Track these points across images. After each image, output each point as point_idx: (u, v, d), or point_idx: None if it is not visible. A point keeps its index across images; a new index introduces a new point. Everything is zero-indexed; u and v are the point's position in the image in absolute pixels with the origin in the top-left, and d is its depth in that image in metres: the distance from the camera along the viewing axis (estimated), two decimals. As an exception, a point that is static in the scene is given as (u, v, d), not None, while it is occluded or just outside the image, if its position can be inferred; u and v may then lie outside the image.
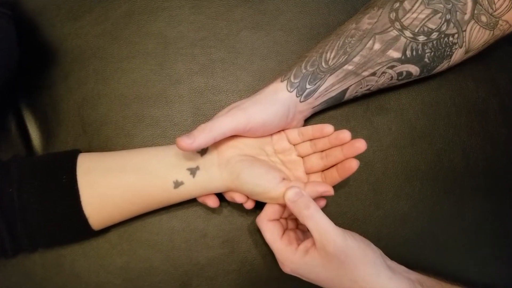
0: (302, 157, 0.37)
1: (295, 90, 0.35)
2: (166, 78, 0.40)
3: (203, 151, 0.35)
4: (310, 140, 0.37)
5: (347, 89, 0.36)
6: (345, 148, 0.35)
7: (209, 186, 0.34)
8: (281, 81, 0.35)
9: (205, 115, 0.40)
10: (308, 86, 0.35)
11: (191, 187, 0.34)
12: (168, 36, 0.41)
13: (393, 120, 0.41)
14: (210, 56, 0.41)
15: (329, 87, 0.35)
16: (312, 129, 0.36)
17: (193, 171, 0.34)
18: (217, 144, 0.35)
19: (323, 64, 0.35)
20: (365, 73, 0.35)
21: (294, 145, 0.37)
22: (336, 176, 0.35)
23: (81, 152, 0.35)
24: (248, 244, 0.39)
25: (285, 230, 0.35)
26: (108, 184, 0.33)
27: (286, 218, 0.37)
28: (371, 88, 0.37)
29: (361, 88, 0.36)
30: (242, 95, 0.41)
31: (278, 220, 0.35)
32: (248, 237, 0.39)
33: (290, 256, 0.32)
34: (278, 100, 0.34)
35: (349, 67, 0.35)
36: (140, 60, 0.40)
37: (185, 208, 0.39)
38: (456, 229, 0.40)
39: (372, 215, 0.40)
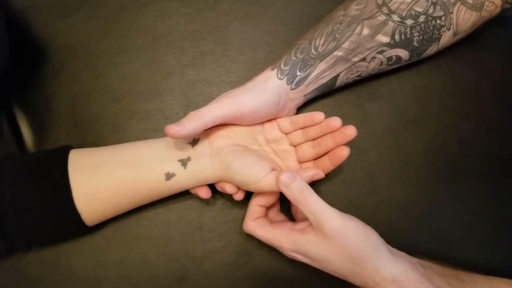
0: (295, 146, 0.37)
1: (286, 77, 0.35)
2: (157, 72, 0.40)
3: (194, 142, 0.35)
4: (302, 128, 0.37)
5: (338, 75, 0.36)
6: (335, 135, 0.34)
7: (201, 177, 0.34)
8: (272, 69, 0.35)
9: (197, 107, 0.39)
10: (298, 73, 0.35)
11: (182, 178, 0.34)
12: (158, 29, 0.41)
13: (385, 106, 0.41)
14: (200, 49, 0.41)
15: (319, 74, 0.35)
16: (303, 117, 0.36)
17: (184, 162, 0.34)
18: (208, 134, 0.35)
19: (312, 51, 0.35)
20: (355, 59, 0.35)
21: (286, 134, 0.37)
22: (328, 164, 0.35)
23: (73, 148, 0.35)
24: (244, 235, 0.39)
25: (272, 222, 0.35)
26: (100, 179, 0.33)
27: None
28: (362, 74, 0.37)
29: (352, 74, 0.36)
30: (233, 86, 0.40)
31: (262, 216, 0.35)
32: (244, 228, 0.39)
33: (285, 237, 0.32)
34: (268, 88, 0.34)
35: (338, 53, 0.35)
36: (131, 55, 0.41)
37: (180, 201, 0.39)
38: (452, 214, 0.40)
39: (367, 202, 0.39)
